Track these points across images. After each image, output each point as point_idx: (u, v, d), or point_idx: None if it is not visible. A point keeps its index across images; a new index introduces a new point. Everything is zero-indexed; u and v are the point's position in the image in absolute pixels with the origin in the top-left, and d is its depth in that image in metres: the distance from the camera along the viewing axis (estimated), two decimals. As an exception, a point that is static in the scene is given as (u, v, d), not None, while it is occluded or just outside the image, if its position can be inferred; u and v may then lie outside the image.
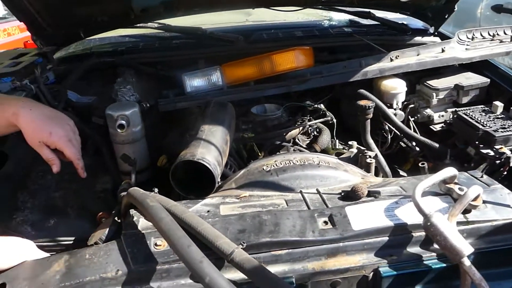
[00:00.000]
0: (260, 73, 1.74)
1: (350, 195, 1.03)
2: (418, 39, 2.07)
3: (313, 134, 1.66)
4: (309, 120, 1.67)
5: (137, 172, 1.36)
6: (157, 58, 1.90)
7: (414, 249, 0.92)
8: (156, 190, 1.02)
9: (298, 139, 1.65)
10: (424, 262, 0.90)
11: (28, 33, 5.36)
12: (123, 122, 1.40)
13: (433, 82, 1.79)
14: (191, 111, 1.64)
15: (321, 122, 1.70)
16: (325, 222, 0.94)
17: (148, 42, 2.05)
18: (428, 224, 0.87)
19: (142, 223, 0.95)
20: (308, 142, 1.68)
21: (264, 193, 1.09)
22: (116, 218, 1.07)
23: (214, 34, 1.95)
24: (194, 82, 1.71)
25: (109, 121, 1.43)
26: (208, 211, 0.99)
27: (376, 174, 1.42)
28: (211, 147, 1.13)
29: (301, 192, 1.08)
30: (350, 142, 1.49)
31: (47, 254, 0.97)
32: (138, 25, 1.98)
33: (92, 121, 1.63)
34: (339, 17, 2.42)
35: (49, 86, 1.63)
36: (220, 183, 1.17)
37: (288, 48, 1.76)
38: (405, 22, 2.17)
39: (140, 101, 1.65)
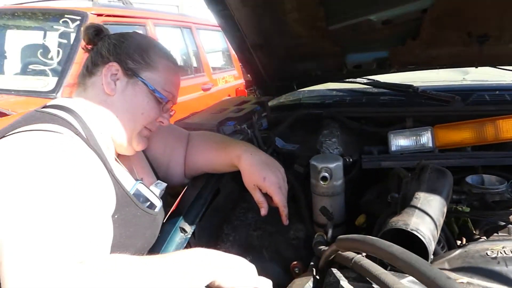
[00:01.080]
0: (479, 139, 1.54)
1: None
2: None
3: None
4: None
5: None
6: (363, 113, 1.88)
7: None
8: (363, 254, 0.96)
9: (523, 221, 1.36)
10: None
11: (239, 81, 6.31)
12: (326, 174, 1.40)
13: None
14: (394, 171, 1.55)
15: None
16: None
17: (355, 96, 2.07)
18: None
19: (344, 286, 0.90)
20: (537, 227, 1.37)
21: (487, 284, 0.91)
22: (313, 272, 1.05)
23: (426, 93, 1.84)
24: (401, 141, 1.62)
25: (312, 172, 1.46)
26: (418, 290, 0.88)
27: None
28: (426, 218, 1.02)
29: (539, 293, 0.86)
30: None
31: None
32: (348, 80, 2.02)
33: (293, 168, 1.71)
34: None
35: (262, 132, 1.80)
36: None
37: (518, 113, 1.53)
38: None
39: (342, 154, 1.65)
